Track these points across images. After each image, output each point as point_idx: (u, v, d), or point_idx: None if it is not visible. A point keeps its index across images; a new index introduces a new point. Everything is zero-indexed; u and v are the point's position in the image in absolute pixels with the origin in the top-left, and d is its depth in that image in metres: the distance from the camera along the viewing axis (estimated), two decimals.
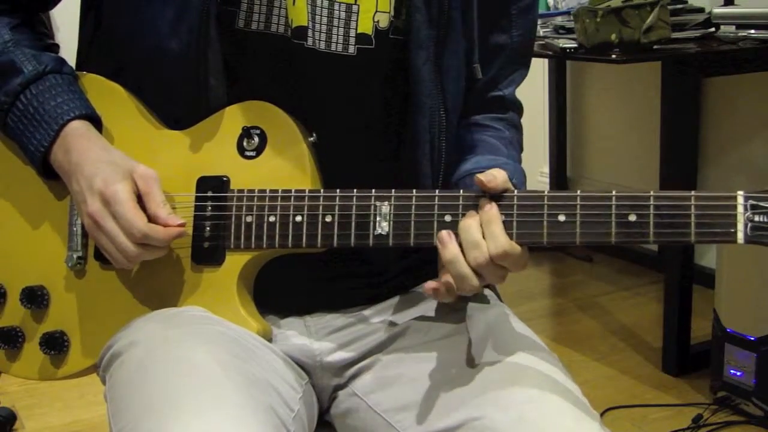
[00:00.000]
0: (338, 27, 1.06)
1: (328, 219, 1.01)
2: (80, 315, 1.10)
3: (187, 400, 0.91)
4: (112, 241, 1.02)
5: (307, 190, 1.02)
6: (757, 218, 0.88)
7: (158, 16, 1.06)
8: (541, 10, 2.80)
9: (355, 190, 1.00)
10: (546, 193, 0.95)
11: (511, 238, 0.94)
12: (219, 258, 1.05)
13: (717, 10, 2.48)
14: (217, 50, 1.05)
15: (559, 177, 3.72)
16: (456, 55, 1.10)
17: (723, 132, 3.05)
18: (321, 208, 1.01)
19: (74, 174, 1.05)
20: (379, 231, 1.00)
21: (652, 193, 0.92)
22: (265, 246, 1.03)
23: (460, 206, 0.97)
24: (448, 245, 0.95)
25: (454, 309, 1.12)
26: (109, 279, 1.09)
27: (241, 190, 1.04)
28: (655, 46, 2.28)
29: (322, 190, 1.02)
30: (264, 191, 1.03)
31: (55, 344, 1.10)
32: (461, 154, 1.14)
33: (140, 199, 1.03)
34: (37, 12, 1.18)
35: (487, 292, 1.17)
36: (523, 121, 1.24)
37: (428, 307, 1.14)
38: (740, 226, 0.89)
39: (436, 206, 0.98)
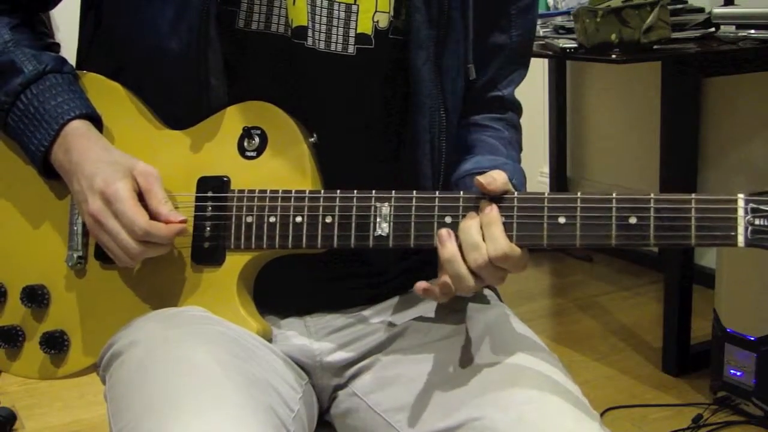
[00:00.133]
0: (338, 27, 1.06)
1: (329, 220, 1.01)
2: (80, 314, 1.10)
3: (187, 400, 0.91)
4: (114, 239, 1.02)
5: (307, 191, 1.02)
6: (757, 221, 0.88)
7: (158, 16, 1.06)
8: (541, 10, 2.79)
9: (355, 191, 1.00)
10: (546, 195, 0.95)
11: (511, 240, 0.94)
12: (219, 258, 1.05)
13: (717, 10, 2.48)
14: (218, 50, 1.05)
15: (559, 177, 3.71)
16: (456, 55, 1.10)
17: (723, 132, 3.05)
18: (321, 208, 1.01)
19: (75, 173, 1.05)
20: (379, 232, 1.00)
21: (652, 195, 0.91)
22: (265, 246, 1.03)
23: (460, 207, 0.97)
24: (446, 244, 0.95)
25: (453, 309, 1.12)
26: (109, 278, 1.09)
27: (241, 191, 1.04)
28: (655, 46, 2.28)
29: (322, 191, 1.02)
30: (264, 191, 1.03)
31: (56, 343, 1.10)
32: (461, 154, 1.14)
33: (141, 197, 1.03)
34: (37, 12, 1.18)
35: (487, 292, 1.17)
36: (523, 121, 1.24)
37: (428, 308, 1.14)
38: (740, 230, 0.88)
39: (436, 207, 0.98)
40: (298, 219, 1.02)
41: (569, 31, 2.49)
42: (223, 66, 1.06)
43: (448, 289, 0.95)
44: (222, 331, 1.02)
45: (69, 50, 1.18)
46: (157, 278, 1.07)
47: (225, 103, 1.07)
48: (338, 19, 1.06)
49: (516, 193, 0.96)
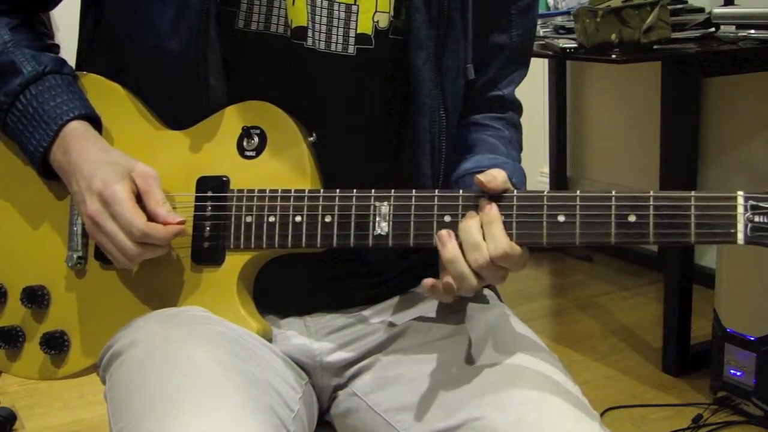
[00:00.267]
0: (338, 27, 1.06)
1: (328, 219, 1.01)
2: (80, 315, 1.10)
3: (187, 400, 0.91)
4: (112, 240, 1.02)
5: (306, 190, 1.02)
6: (757, 219, 0.88)
7: (158, 16, 1.06)
8: (541, 10, 2.80)
9: (354, 191, 1.00)
10: (545, 193, 0.94)
11: (511, 239, 0.94)
12: (219, 258, 1.05)
13: (717, 10, 2.48)
14: (217, 50, 1.05)
15: (559, 177, 3.72)
16: (456, 55, 1.10)
17: (723, 132, 3.05)
18: (320, 208, 1.01)
19: (73, 174, 1.05)
20: (378, 231, 1.00)
21: (651, 193, 0.91)
22: (264, 246, 1.03)
23: (460, 206, 0.97)
24: (447, 244, 0.95)
25: (454, 309, 1.12)
26: (109, 279, 1.09)
27: (240, 190, 1.04)
28: (655, 46, 2.28)
29: (321, 190, 1.02)
30: (264, 191, 1.03)
31: (56, 344, 1.10)
32: (461, 153, 1.14)
33: (140, 199, 1.03)
34: (37, 12, 1.18)
35: (487, 292, 1.17)
36: (523, 121, 1.24)
37: (428, 308, 1.14)
38: (740, 227, 0.88)
39: (435, 206, 0.98)
40: (298, 218, 1.02)
41: (569, 31, 2.49)
42: (222, 66, 1.06)
43: (451, 288, 0.95)
44: (222, 331, 1.02)
45: (69, 50, 1.18)
46: (156, 278, 1.07)
47: (224, 103, 1.07)
48: (338, 19, 1.06)
49: (515, 191, 0.96)
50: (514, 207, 0.95)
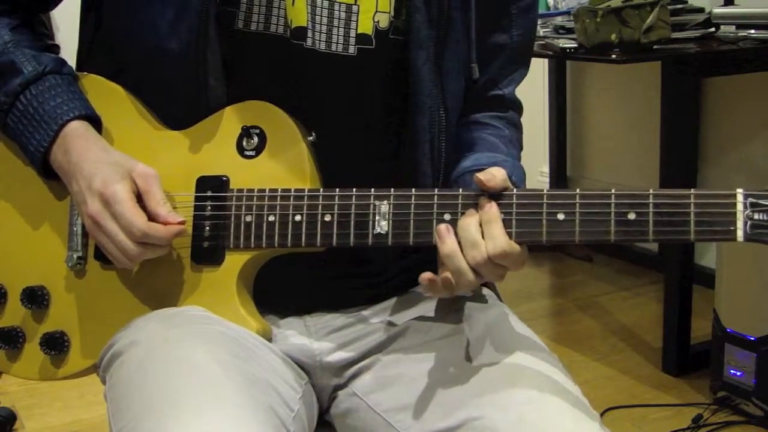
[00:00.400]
0: (338, 27, 1.06)
1: (328, 218, 1.01)
2: (80, 315, 1.10)
3: (187, 400, 0.91)
4: (112, 240, 1.02)
5: (306, 190, 1.02)
6: (756, 216, 0.88)
7: (158, 17, 1.06)
8: (541, 10, 2.79)
9: (354, 190, 1.00)
10: (545, 191, 0.94)
11: (510, 237, 0.94)
12: (218, 258, 1.05)
13: (717, 10, 2.48)
14: (217, 50, 1.05)
15: (559, 177, 3.72)
16: (456, 55, 1.10)
17: (723, 132, 3.05)
18: (320, 207, 1.01)
19: (74, 174, 1.05)
20: (378, 230, 1.00)
21: (651, 191, 0.91)
22: (264, 245, 1.03)
23: (460, 205, 0.97)
24: (446, 240, 0.95)
25: (453, 309, 1.12)
26: (109, 279, 1.09)
27: (240, 190, 1.04)
28: (655, 46, 2.28)
29: (321, 190, 1.02)
30: (263, 191, 1.03)
31: (56, 344, 1.10)
32: (460, 152, 1.14)
33: (140, 199, 1.03)
34: (37, 13, 1.19)
35: (486, 292, 1.17)
36: (523, 120, 1.24)
37: (428, 308, 1.14)
38: (740, 224, 0.88)
39: (435, 205, 0.98)
40: (297, 218, 1.02)
41: (569, 31, 2.49)
42: (222, 66, 1.06)
43: (449, 283, 0.95)
44: (222, 331, 1.02)
45: (69, 51, 1.18)
46: (156, 278, 1.07)
47: (224, 103, 1.07)
48: (339, 19, 1.06)
49: (515, 189, 0.96)
50: (514, 205, 0.95)
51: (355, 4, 1.06)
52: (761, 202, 0.88)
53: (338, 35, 1.07)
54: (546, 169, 3.77)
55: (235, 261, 1.05)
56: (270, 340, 1.08)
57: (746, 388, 2.25)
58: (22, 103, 1.08)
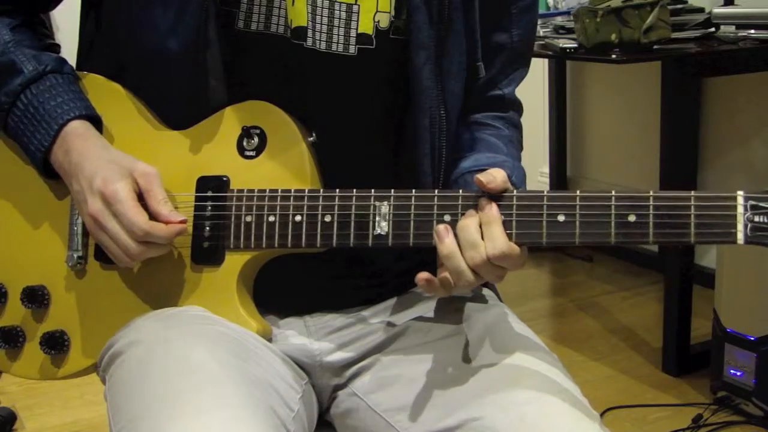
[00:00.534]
0: (339, 27, 1.06)
1: (328, 219, 1.01)
2: (80, 315, 1.10)
3: (187, 400, 0.91)
4: (114, 240, 1.02)
5: (306, 190, 1.02)
6: (757, 219, 0.88)
7: (158, 17, 1.06)
8: (541, 10, 2.80)
9: (354, 190, 1.00)
10: (545, 193, 0.94)
11: (510, 238, 0.94)
12: (219, 258, 1.05)
13: (717, 10, 2.48)
14: (217, 51, 1.05)
15: (559, 177, 3.72)
16: (456, 55, 1.10)
17: (723, 132, 3.05)
18: (320, 208, 1.01)
19: (74, 174, 1.05)
20: (378, 231, 1.00)
21: (651, 193, 0.91)
22: (264, 246, 1.03)
23: (460, 206, 0.97)
24: (445, 240, 0.95)
25: (453, 309, 1.12)
26: (109, 279, 1.09)
27: (240, 190, 1.04)
28: (655, 46, 2.28)
29: (321, 190, 1.02)
30: (263, 191, 1.03)
31: (56, 344, 1.10)
32: (461, 152, 1.14)
33: (141, 198, 1.03)
34: (38, 12, 1.18)
35: (486, 292, 1.17)
36: (523, 120, 1.24)
37: (427, 308, 1.14)
38: (740, 227, 0.88)
39: (435, 206, 0.98)
40: (298, 218, 1.02)
41: (569, 31, 2.49)
42: (222, 66, 1.06)
43: (448, 283, 0.95)
44: (222, 331, 1.02)
45: (69, 50, 1.18)
46: (156, 278, 1.07)
47: (224, 103, 1.07)
48: (339, 19, 1.06)
49: (515, 191, 0.96)
50: (514, 207, 0.95)
51: (356, 4, 1.06)
52: (761, 204, 0.88)
53: (338, 35, 1.07)
54: (546, 169, 3.77)
55: (235, 261, 1.05)
56: (270, 340, 1.08)
57: (746, 388, 2.26)
58: (23, 103, 1.08)
